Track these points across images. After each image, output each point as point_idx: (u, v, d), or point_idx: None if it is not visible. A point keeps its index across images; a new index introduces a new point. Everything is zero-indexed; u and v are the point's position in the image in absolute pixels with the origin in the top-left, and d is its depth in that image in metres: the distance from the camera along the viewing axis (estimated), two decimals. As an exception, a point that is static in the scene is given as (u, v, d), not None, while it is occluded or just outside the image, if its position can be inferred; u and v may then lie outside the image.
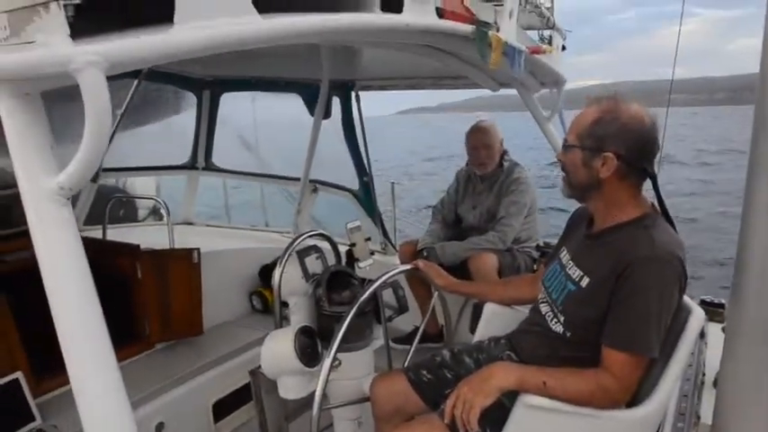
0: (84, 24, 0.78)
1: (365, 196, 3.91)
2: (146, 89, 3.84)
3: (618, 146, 1.51)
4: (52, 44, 0.76)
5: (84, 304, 0.81)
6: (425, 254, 3.09)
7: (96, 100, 0.73)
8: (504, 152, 3.22)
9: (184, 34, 0.81)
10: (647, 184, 1.61)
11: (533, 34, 2.51)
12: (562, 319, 1.64)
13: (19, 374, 2.25)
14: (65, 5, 0.76)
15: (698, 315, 1.59)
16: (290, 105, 4.04)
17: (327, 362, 1.75)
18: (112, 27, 0.83)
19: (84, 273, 0.81)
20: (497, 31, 1.84)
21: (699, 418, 1.85)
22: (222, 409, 2.80)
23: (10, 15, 0.81)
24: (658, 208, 1.62)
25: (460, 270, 2.96)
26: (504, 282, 2.61)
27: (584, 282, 1.58)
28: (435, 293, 2.23)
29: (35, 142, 0.82)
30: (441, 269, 2.15)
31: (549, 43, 2.51)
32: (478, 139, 3.18)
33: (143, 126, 4.90)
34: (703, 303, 2.58)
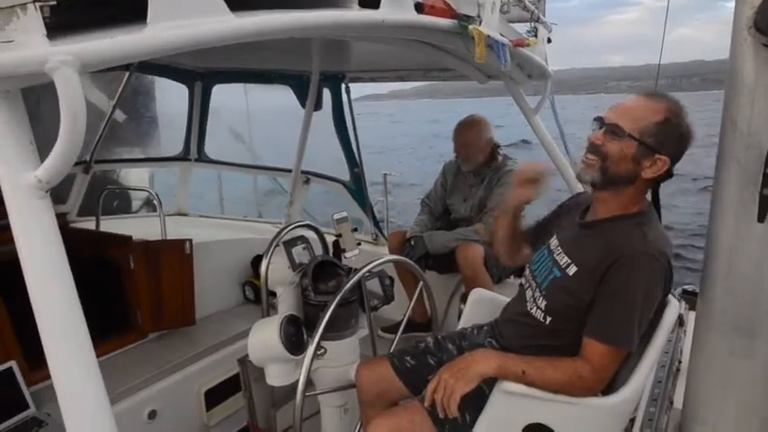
0: (59, 23, 0.81)
1: (356, 187, 3.94)
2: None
3: (671, 152, 1.50)
4: (29, 44, 0.79)
5: (63, 296, 0.84)
6: (413, 243, 3.13)
7: (71, 97, 0.76)
8: (497, 146, 3.23)
9: (157, 34, 0.84)
10: None
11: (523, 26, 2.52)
12: (543, 305, 1.66)
13: (13, 363, 2.28)
14: (41, 6, 0.79)
15: (674, 307, 1.63)
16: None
17: (311, 349, 1.79)
18: (87, 25, 0.86)
19: (63, 264, 0.85)
20: (480, 24, 1.86)
21: (672, 403, 1.90)
22: (214, 397, 2.84)
23: None
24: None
25: (448, 260, 3.01)
26: None
27: (571, 270, 1.60)
28: (420, 283, 2.27)
29: (15, 138, 0.84)
30: None
31: (535, 35, 2.52)
32: (464, 135, 3.20)
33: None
34: (685, 293, 2.62)
